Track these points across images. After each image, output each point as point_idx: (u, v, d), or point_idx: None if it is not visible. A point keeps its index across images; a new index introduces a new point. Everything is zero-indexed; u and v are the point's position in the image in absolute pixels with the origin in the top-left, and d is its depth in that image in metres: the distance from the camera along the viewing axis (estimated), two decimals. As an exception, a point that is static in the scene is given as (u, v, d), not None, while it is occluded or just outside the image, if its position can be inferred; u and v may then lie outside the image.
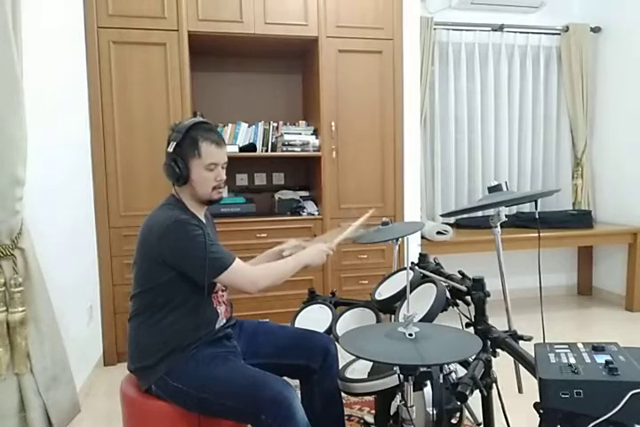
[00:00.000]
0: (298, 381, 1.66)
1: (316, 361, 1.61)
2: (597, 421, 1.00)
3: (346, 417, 1.78)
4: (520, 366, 1.43)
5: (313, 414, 1.52)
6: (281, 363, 1.63)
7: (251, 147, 3.09)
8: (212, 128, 1.57)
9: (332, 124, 3.07)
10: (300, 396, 1.50)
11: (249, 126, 3.15)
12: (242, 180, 3.46)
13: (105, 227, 2.79)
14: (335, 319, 1.81)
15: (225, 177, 1.59)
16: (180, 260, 1.44)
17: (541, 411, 1.08)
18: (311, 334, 1.69)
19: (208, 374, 1.43)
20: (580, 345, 1.19)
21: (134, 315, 1.53)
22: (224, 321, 1.60)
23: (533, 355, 1.19)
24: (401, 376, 1.17)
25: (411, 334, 1.12)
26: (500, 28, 3.77)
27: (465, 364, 1.44)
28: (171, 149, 1.50)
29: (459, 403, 1.31)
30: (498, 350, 1.50)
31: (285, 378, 1.46)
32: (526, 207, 3.92)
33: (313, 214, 3.15)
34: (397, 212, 3.21)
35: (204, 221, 1.62)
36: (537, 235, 3.35)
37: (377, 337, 1.16)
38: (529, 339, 1.50)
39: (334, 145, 3.09)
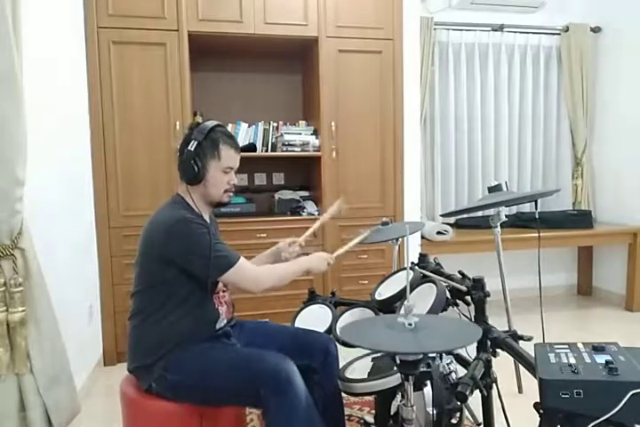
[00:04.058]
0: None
1: (316, 361, 1.61)
2: (597, 421, 1.00)
3: (346, 417, 1.78)
4: (520, 366, 1.43)
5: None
6: None
7: (251, 147, 3.09)
8: (230, 133, 1.62)
9: (332, 124, 3.07)
10: None
11: (249, 126, 3.15)
12: (242, 180, 3.45)
13: (105, 227, 2.79)
14: (335, 319, 1.81)
15: (236, 181, 1.63)
16: (187, 257, 1.45)
17: (541, 411, 1.08)
18: (311, 333, 1.70)
19: (205, 361, 1.45)
20: (579, 345, 1.19)
21: (135, 313, 1.53)
22: (225, 321, 1.60)
23: (533, 355, 1.19)
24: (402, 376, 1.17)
25: (410, 324, 1.11)
26: (500, 28, 3.77)
27: (465, 364, 1.45)
28: (192, 148, 1.51)
29: (459, 403, 1.31)
30: (498, 350, 1.50)
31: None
32: (526, 207, 3.92)
33: (313, 214, 3.15)
34: (397, 212, 3.21)
35: (209, 221, 1.63)
36: (537, 235, 3.35)
37: (377, 328, 1.16)
38: (529, 339, 1.50)
39: (334, 145, 3.09)
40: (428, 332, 1.10)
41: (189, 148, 1.52)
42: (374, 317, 1.70)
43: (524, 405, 1.37)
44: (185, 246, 1.44)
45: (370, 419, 1.83)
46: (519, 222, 3.72)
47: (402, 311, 1.17)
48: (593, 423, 1.00)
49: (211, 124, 1.56)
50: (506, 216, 1.85)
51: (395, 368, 1.36)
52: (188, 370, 1.43)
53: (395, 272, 1.96)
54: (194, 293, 1.49)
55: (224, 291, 1.63)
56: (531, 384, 1.35)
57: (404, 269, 1.90)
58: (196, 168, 1.51)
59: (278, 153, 3.13)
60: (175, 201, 1.57)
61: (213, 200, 1.60)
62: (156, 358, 1.46)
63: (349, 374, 1.53)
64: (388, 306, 1.78)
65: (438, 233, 3.30)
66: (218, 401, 1.46)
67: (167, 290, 1.47)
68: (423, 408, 1.36)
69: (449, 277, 1.74)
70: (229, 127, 3.10)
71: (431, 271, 1.83)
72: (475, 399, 1.35)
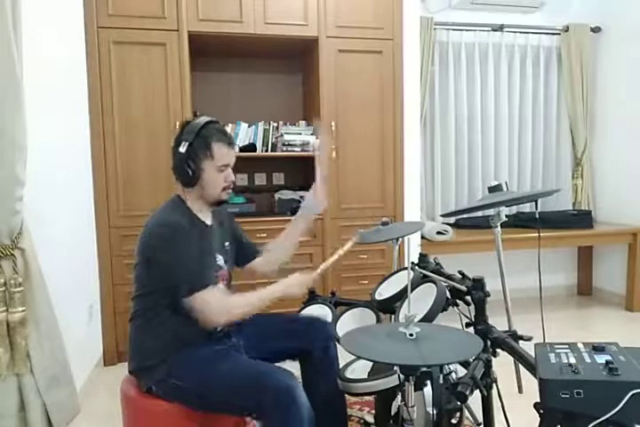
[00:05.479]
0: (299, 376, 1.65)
1: (316, 345, 1.59)
2: (597, 421, 1.00)
3: (345, 417, 1.78)
4: (520, 366, 1.43)
5: (314, 410, 1.51)
6: (281, 346, 1.61)
7: (251, 147, 3.09)
8: (222, 128, 1.56)
9: (332, 124, 3.07)
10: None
11: (249, 126, 3.14)
12: (242, 180, 3.45)
13: (105, 227, 2.79)
14: (335, 320, 1.82)
15: (234, 178, 1.58)
16: (165, 266, 1.41)
17: (541, 411, 1.08)
18: (309, 318, 1.71)
19: (210, 371, 1.42)
20: (580, 345, 1.18)
21: (135, 316, 1.52)
22: (224, 322, 1.59)
23: (533, 355, 1.19)
24: (401, 376, 1.17)
25: (411, 335, 1.12)
26: (500, 28, 3.77)
27: (465, 364, 1.44)
28: (183, 150, 1.47)
29: (459, 403, 1.31)
30: (498, 350, 1.50)
31: (287, 364, 1.45)
32: (526, 207, 3.92)
33: (313, 214, 3.14)
34: (397, 212, 3.21)
35: (210, 222, 1.61)
36: (537, 235, 3.35)
37: (378, 337, 1.16)
38: (529, 339, 1.50)
39: (334, 145, 3.09)
40: (429, 342, 1.10)
41: (180, 149, 1.47)
42: (375, 325, 1.70)
43: (524, 405, 1.37)
44: (165, 255, 1.40)
45: (370, 419, 1.83)
46: (519, 222, 3.72)
47: (402, 320, 1.17)
48: (593, 423, 1.00)
49: (202, 120, 1.51)
50: (506, 216, 1.85)
51: (395, 368, 1.36)
52: (190, 377, 1.41)
53: (395, 272, 1.97)
54: None
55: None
56: (531, 384, 1.34)
57: (405, 269, 1.90)
58: (189, 171, 1.47)
59: (278, 153, 3.12)
60: (173, 203, 1.55)
61: (211, 200, 1.57)
62: (156, 360, 1.45)
63: (349, 374, 1.53)
64: (389, 306, 1.79)
65: (438, 233, 3.30)
66: (218, 410, 1.43)
67: (167, 295, 1.44)
68: (423, 408, 1.36)
69: (449, 277, 1.74)
70: (229, 127, 3.10)
71: (431, 271, 1.83)
72: (475, 399, 1.35)
